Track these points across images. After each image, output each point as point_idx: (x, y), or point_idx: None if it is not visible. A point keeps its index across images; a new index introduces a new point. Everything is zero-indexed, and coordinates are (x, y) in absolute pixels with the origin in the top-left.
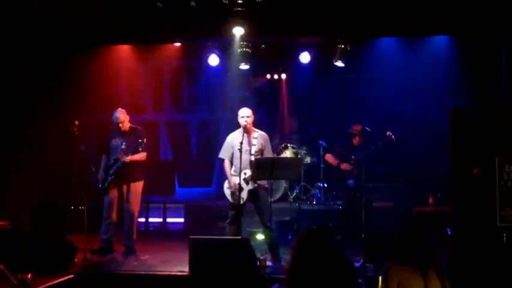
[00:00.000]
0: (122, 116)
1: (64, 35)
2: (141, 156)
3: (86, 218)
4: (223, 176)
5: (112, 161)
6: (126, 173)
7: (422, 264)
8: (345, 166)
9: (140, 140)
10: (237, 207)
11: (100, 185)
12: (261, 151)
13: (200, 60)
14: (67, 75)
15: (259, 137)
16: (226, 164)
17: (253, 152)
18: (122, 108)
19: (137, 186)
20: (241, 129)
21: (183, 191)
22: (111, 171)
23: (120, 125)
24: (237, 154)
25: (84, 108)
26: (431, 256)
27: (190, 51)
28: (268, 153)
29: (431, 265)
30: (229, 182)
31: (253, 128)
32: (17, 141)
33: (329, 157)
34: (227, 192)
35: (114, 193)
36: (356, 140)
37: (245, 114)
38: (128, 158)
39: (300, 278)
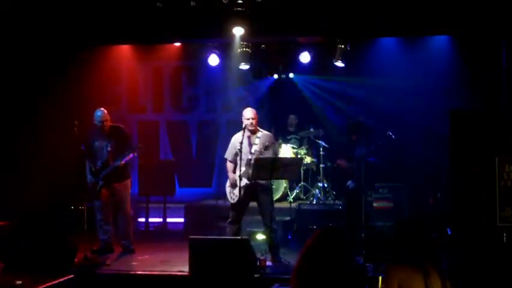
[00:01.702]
0: (104, 114)
1: (63, 35)
2: (130, 157)
3: (86, 218)
4: (223, 176)
5: (100, 165)
6: (115, 174)
7: (423, 264)
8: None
9: (134, 146)
10: (238, 207)
11: (90, 189)
12: (261, 151)
13: (200, 60)
14: (66, 75)
15: (262, 136)
16: (229, 164)
17: (252, 151)
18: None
19: (127, 185)
20: (246, 130)
21: (183, 191)
22: (101, 175)
23: (104, 123)
24: (239, 154)
25: (84, 108)
26: (431, 256)
27: (190, 51)
28: (272, 152)
29: (432, 265)
30: (229, 180)
31: (258, 128)
32: (17, 141)
33: (342, 163)
34: (227, 191)
35: (105, 195)
36: (354, 136)
37: (250, 116)
38: (123, 162)
39: (309, 278)
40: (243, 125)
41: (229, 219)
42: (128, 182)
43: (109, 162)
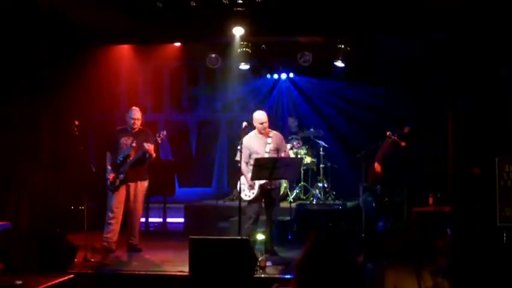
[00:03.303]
0: (137, 113)
1: (64, 35)
2: (152, 148)
3: (86, 218)
4: (223, 176)
5: (121, 159)
6: (135, 172)
7: (417, 265)
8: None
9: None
10: (254, 204)
11: (109, 183)
12: (276, 150)
13: (200, 60)
14: (67, 75)
15: (274, 136)
16: (243, 165)
17: (267, 150)
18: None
19: (145, 185)
20: (256, 131)
21: (183, 191)
22: (122, 169)
23: (136, 121)
24: (253, 155)
25: (84, 108)
26: (427, 256)
27: (190, 51)
28: (284, 152)
29: (425, 266)
30: (246, 178)
31: (269, 129)
32: (16, 141)
33: (378, 166)
34: (242, 188)
35: (123, 192)
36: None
37: (264, 120)
38: (151, 148)
39: (309, 278)
40: (242, 126)
41: (248, 216)
42: (146, 183)
43: (130, 157)
